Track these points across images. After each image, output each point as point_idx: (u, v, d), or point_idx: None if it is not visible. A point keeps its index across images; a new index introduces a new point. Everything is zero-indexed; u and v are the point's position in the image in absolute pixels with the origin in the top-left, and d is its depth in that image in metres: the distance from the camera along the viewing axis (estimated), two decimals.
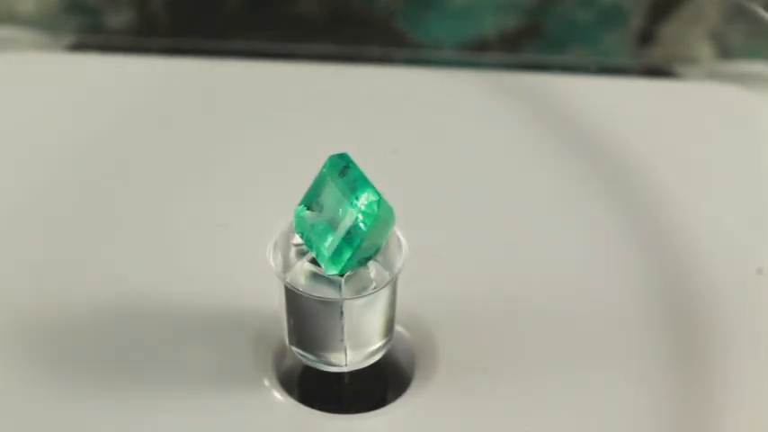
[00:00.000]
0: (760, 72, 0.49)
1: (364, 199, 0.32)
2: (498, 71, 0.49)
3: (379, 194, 0.32)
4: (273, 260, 0.33)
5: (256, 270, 0.36)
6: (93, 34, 0.53)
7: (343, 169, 0.32)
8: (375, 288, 0.33)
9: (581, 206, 0.42)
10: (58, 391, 0.35)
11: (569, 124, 0.45)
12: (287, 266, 0.34)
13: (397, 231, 0.34)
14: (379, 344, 0.35)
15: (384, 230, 0.32)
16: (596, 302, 0.38)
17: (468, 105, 0.46)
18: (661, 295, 0.39)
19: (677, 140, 0.45)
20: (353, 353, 0.34)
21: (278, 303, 0.35)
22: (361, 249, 0.32)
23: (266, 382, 0.36)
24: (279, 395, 0.36)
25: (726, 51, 0.52)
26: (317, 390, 0.36)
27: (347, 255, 0.32)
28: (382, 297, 0.33)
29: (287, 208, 0.34)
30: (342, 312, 0.33)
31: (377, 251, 0.33)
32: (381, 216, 0.32)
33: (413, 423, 0.35)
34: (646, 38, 0.54)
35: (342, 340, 0.34)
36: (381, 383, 0.36)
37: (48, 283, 0.39)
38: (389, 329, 0.35)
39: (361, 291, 0.33)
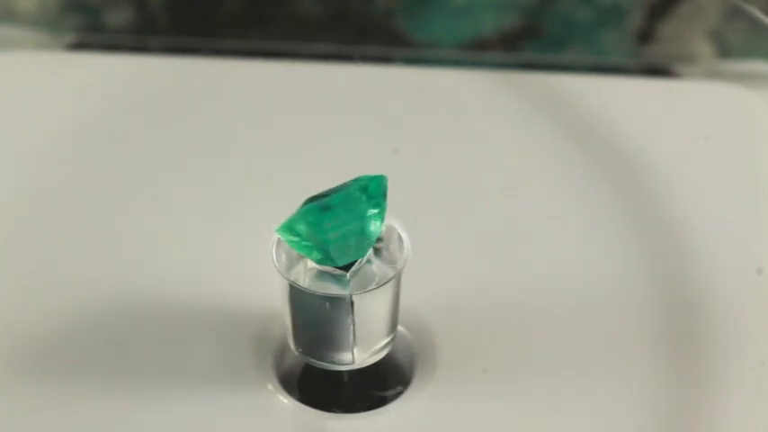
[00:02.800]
0: (759, 71, 0.49)
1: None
2: (498, 70, 0.49)
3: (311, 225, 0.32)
4: (276, 258, 0.33)
5: (257, 269, 0.36)
6: (92, 33, 0.53)
7: (361, 189, 0.33)
8: (377, 284, 0.33)
9: (580, 205, 0.42)
10: (59, 391, 0.36)
11: (569, 123, 0.45)
12: (290, 264, 0.34)
13: (400, 231, 0.34)
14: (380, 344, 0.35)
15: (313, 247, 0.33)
16: (596, 302, 0.38)
17: (467, 105, 0.46)
18: (661, 295, 0.39)
19: (676, 139, 0.45)
20: (359, 350, 0.34)
21: (281, 303, 0.35)
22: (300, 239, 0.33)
23: (266, 382, 0.36)
24: (279, 395, 0.36)
25: (725, 50, 0.52)
26: (318, 390, 0.36)
27: (282, 225, 0.33)
28: (382, 295, 0.34)
29: (287, 207, 0.34)
30: (352, 307, 0.33)
31: (325, 256, 0.33)
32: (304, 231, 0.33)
33: (413, 423, 0.35)
34: (645, 37, 0.54)
35: (350, 337, 0.34)
36: (381, 383, 0.36)
37: (47, 283, 0.39)
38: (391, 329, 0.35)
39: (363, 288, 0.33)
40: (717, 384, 0.36)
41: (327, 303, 0.33)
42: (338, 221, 0.32)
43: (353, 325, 0.33)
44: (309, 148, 0.44)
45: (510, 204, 0.42)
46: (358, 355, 0.34)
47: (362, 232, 0.33)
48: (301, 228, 0.32)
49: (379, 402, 0.36)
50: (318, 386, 0.36)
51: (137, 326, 0.37)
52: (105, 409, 0.35)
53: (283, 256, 0.34)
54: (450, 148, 0.44)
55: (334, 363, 0.35)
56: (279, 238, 0.33)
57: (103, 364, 0.36)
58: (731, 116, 0.46)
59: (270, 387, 0.36)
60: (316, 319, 0.34)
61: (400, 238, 0.34)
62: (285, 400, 0.36)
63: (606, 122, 0.45)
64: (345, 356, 0.34)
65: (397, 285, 0.34)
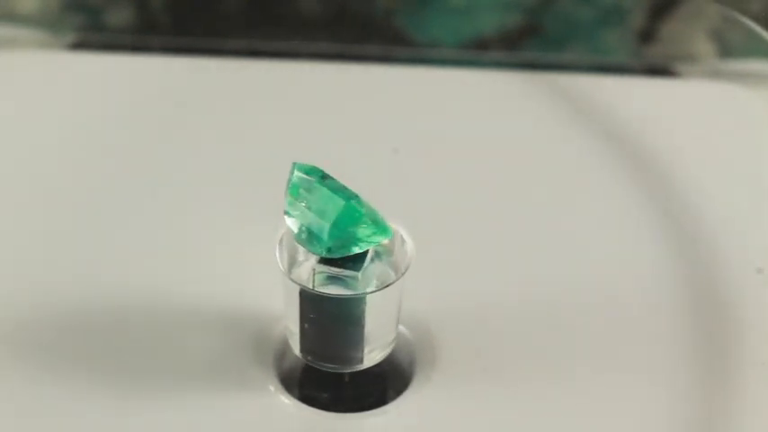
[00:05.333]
0: (760, 70, 0.49)
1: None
2: (498, 70, 0.49)
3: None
4: (280, 258, 0.33)
5: (258, 269, 0.36)
6: (93, 33, 0.53)
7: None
8: (377, 288, 0.33)
9: (580, 205, 0.42)
10: (58, 391, 0.36)
11: (569, 123, 0.45)
12: (292, 264, 0.34)
13: (403, 233, 0.34)
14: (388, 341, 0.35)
15: None
16: (595, 302, 0.38)
17: (468, 104, 0.46)
18: (660, 295, 0.39)
19: (677, 139, 0.45)
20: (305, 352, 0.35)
21: (282, 304, 0.35)
22: None
23: (267, 382, 0.36)
24: (280, 395, 0.36)
25: (726, 50, 0.52)
26: (318, 390, 0.36)
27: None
28: (385, 297, 0.34)
29: None
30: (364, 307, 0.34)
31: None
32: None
33: (413, 423, 0.35)
34: (646, 36, 0.54)
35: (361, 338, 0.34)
36: (381, 383, 0.36)
37: (48, 283, 0.39)
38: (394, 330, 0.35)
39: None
40: (716, 384, 0.36)
41: (289, 285, 0.34)
42: (306, 203, 0.33)
43: (300, 319, 0.34)
44: (310, 147, 0.44)
45: (511, 204, 0.42)
46: (302, 350, 0.35)
47: (321, 235, 0.33)
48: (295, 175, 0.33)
49: (379, 402, 0.36)
50: (319, 386, 0.36)
51: (136, 325, 0.37)
52: (104, 409, 0.35)
53: (285, 255, 0.34)
54: (451, 147, 0.44)
55: (291, 341, 0.35)
56: (282, 236, 0.34)
57: (102, 363, 0.36)
58: (732, 116, 0.46)
59: (270, 387, 0.36)
60: (288, 301, 0.34)
61: (404, 243, 0.34)
62: (286, 400, 0.36)
63: (607, 122, 0.45)
64: (294, 344, 0.35)
65: (355, 306, 0.34)
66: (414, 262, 0.33)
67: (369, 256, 0.33)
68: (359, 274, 0.33)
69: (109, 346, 0.37)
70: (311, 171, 0.33)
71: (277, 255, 0.34)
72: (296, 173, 0.33)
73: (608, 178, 0.43)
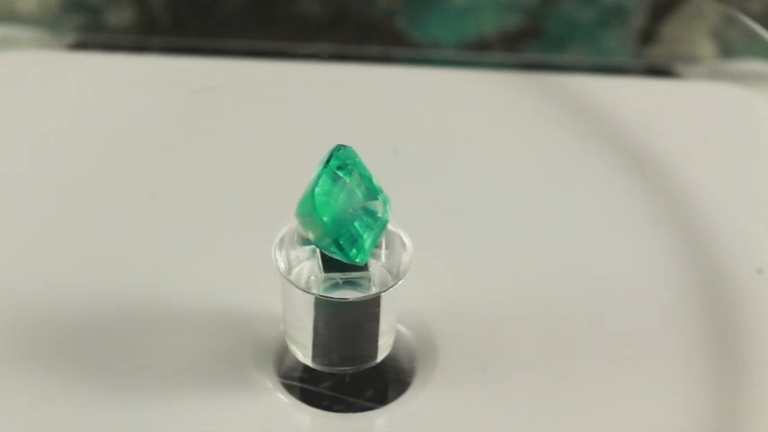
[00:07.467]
0: (761, 71, 0.49)
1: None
2: (499, 70, 0.49)
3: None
4: (279, 258, 0.33)
5: (258, 269, 0.36)
6: (94, 33, 0.53)
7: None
8: (377, 291, 0.33)
9: (580, 205, 0.42)
10: (61, 391, 0.36)
11: (569, 123, 0.45)
12: (292, 265, 0.34)
13: (403, 236, 0.34)
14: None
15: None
16: (595, 302, 0.38)
17: (468, 105, 0.46)
18: (660, 296, 0.39)
19: (678, 140, 0.45)
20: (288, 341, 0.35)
21: (280, 304, 0.35)
22: None
23: (266, 381, 0.36)
24: (279, 394, 0.36)
25: (726, 50, 0.52)
26: (318, 389, 0.36)
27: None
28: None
29: (288, 207, 0.34)
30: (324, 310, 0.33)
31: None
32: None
33: (413, 423, 0.35)
34: (647, 37, 0.54)
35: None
36: (381, 383, 0.36)
37: (46, 283, 0.39)
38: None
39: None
40: (716, 385, 0.36)
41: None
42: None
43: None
44: (310, 147, 0.44)
45: (511, 204, 0.42)
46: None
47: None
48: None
49: (380, 402, 0.36)
50: (319, 386, 0.36)
51: (136, 325, 0.37)
52: (102, 408, 0.35)
53: (285, 254, 0.34)
54: (451, 148, 0.44)
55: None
56: (282, 237, 0.34)
57: (101, 363, 0.36)
58: (732, 116, 0.46)
59: (270, 386, 0.36)
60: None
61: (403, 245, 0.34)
62: (285, 400, 0.36)
63: (607, 122, 0.45)
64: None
65: (303, 302, 0.34)
66: (405, 275, 0.33)
67: (361, 272, 0.33)
68: (322, 276, 0.33)
69: (108, 346, 0.37)
70: (348, 156, 0.33)
71: (276, 255, 0.34)
72: (336, 152, 0.33)
73: (608, 179, 0.43)
